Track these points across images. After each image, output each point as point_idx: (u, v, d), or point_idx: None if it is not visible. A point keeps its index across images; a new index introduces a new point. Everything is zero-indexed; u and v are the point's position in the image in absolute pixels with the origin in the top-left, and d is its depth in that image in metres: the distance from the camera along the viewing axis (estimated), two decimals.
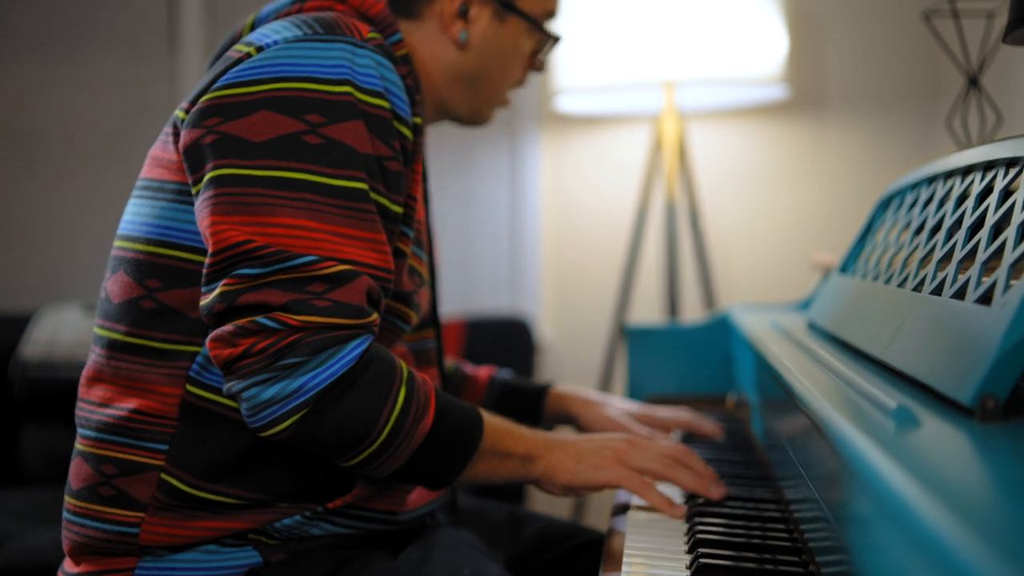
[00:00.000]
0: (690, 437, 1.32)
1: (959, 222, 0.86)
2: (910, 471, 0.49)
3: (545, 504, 2.48)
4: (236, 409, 0.94)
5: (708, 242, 2.42)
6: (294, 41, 0.95)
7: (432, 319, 1.17)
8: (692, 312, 2.43)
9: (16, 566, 1.84)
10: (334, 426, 0.88)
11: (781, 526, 0.93)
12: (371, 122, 0.93)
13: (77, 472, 0.99)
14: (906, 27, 2.33)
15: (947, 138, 1.54)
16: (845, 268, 1.24)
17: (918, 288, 0.85)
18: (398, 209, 0.97)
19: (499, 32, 1.14)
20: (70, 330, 2.43)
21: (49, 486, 2.27)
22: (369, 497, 1.01)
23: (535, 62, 1.21)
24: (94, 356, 1.01)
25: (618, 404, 1.34)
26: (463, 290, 2.67)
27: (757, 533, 0.91)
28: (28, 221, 2.87)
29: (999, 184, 0.80)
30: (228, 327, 0.87)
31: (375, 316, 0.92)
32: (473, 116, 1.20)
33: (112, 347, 0.98)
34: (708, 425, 1.31)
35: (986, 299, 0.68)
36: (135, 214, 1.00)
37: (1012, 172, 0.79)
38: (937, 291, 0.79)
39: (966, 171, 0.92)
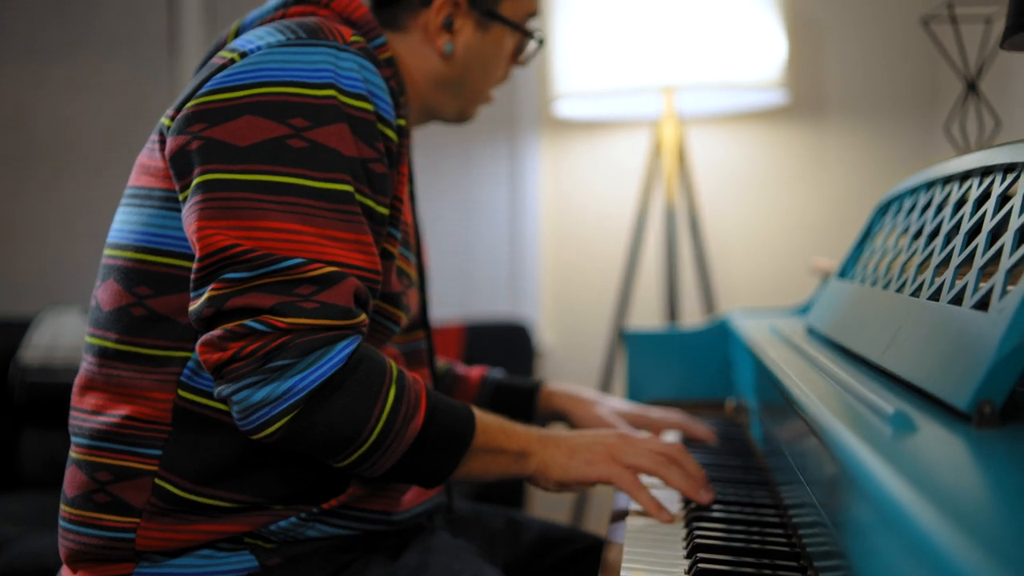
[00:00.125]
0: (689, 441, 1.32)
1: (957, 227, 0.87)
2: (907, 477, 0.49)
3: (545, 508, 2.48)
4: (228, 412, 0.95)
5: (707, 247, 2.43)
6: (277, 46, 0.96)
7: (422, 321, 1.17)
8: (691, 317, 2.43)
9: (16, 571, 1.84)
10: (324, 427, 0.89)
11: (780, 531, 0.93)
12: (355, 125, 0.94)
13: (72, 480, 1.00)
14: (905, 32, 2.34)
15: (946, 143, 1.55)
16: (844, 273, 1.24)
17: (916, 293, 0.85)
18: (384, 211, 0.98)
19: (483, 40, 1.16)
20: (70, 335, 2.43)
21: (49, 490, 2.27)
22: (364, 497, 1.01)
23: (518, 59, 1.23)
24: (86, 364, 1.01)
25: (611, 403, 1.34)
26: (463, 294, 2.67)
27: (756, 538, 0.91)
28: (28, 225, 2.88)
29: (996, 189, 0.80)
30: (217, 331, 0.88)
31: (363, 317, 0.92)
32: (458, 116, 1.22)
33: (103, 355, 0.99)
34: (701, 429, 1.31)
35: (983, 304, 0.68)
36: (123, 222, 1.01)
37: (1009, 177, 0.79)
38: (935, 296, 0.79)
39: (964, 176, 0.92)
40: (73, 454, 1.01)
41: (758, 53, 2.03)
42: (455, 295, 2.67)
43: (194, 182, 0.92)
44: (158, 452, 0.96)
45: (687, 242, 2.40)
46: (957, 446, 0.58)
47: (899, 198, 1.15)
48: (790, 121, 2.45)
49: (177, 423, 0.96)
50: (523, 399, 1.35)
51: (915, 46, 2.33)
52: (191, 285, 0.91)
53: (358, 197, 0.94)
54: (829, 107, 2.44)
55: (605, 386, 2.27)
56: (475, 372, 1.39)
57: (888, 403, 0.67)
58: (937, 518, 0.43)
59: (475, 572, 0.99)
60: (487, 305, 2.66)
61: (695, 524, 0.95)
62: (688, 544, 0.90)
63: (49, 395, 2.35)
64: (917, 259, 0.92)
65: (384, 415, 0.91)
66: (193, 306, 0.90)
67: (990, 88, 1.68)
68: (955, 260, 0.80)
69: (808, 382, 0.84)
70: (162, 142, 0.97)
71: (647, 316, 2.49)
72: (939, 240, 0.88)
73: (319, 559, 0.99)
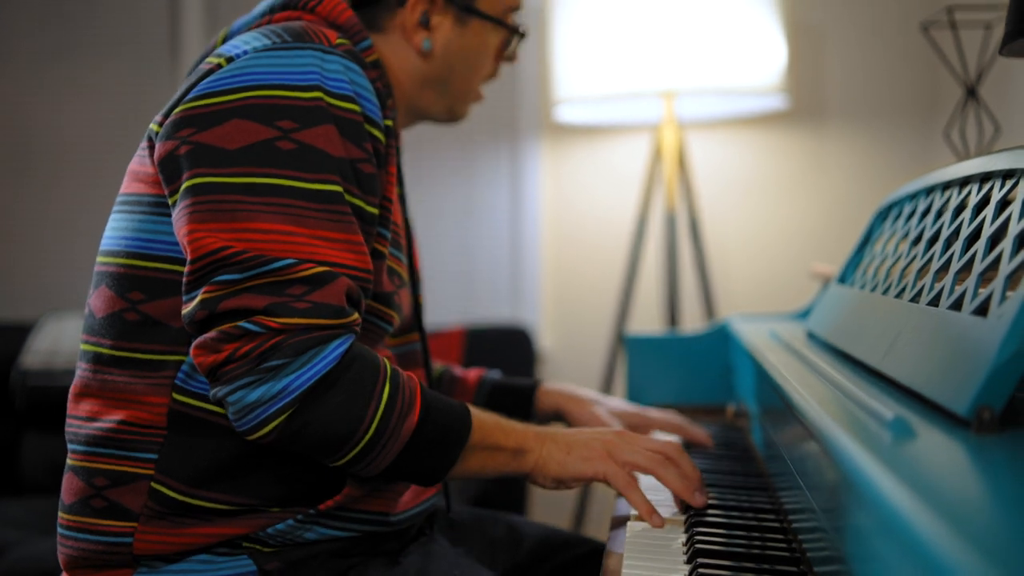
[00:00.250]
0: (687, 445, 1.32)
1: (956, 233, 0.87)
2: (906, 483, 0.50)
3: (546, 513, 2.48)
4: (223, 415, 0.95)
5: (708, 251, 2.43)
6: (263, 50, 0.97)
7: (416, 323, 1.17)
8: (692, 321, 2.43)
9: (17, 575, 1.84)
10: (319, 425, 0.89)
11: (780, 536, 0.93)
12: (342, 126, 0.95)
13: (69, 487, 1.00)
14: (904, 38, 2.34)
15: (945, 148, 1.55)
16: (844, 278, 1.25)
17: (916, 299, 0.85)
18: (374, 210, 0.99)
19: (463, 35, 1.15)
20: (71, 340, 2.44)
21: (50, 495, 2.27)
22: (361, 498, 1.01)
23: (505, 55, 1.22)
24: (80, 371, 1.02)
25: (609, 403, 1.34)
26: (464, 299, 2.67)
27: (756, 543, 0.91)
28: (29, 231, 2.88)
29: (996, 196, 0.80)
30: (211, 333, 0.88)
31: (356, 316, 0.93)
32: (448, 115, 1.22)
33: (98, 361, 0.99)
34: (699, 433, 1.31)
35: (983, 310, 0.68)
36: (115, 229, 1.02)
37: (1008, 184, 0.79)
38: (934, 302, 0.80)
39: (963, 182, 0.92)
40: (70, 461, 1.01)
41: (758, 58, 2.04)
42: (456, 299, 2.67)
43: (184, 186, 0.92)
44: (154, 456, 0.96)
45: (687, 246, 2.40)
46: (956, 452, 0.58)
47: (899, 203, 1.15)
48: (790, 126, 2.45)
49: (172, 427, 0.96)
50: (521, 399, 1.34)
51: (915, 52, 2.34)
52: (183, 288, 0.92)
53: (347, 197, 0.95)
54: (829, 112, 2.45)
55: (606, 390, 2.27)
56: (472, 374, 1.39)
57: (888, 409, 0.67)
58: (936, 524, 0.43)
59: None
60: (488, 309, 2.66)
61: (695, 529, 0.95)
62: (688, 549, 0.90)
63: (50, 400, 2.35)
64: (917, 264, 0.92)
65: (379, 413, 0.91)
66: (186, 309, 0.91)
67: (990, 94, 1.68)
68: (954, 266, 0.80)
69: (808, 387, 0.84)
70: (151, 148, 0.98)
71: (647, 320, 2.50)
72: (939, 246, 0.88)
73: (317, 564, 0.99)
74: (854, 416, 0.71)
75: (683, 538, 0.95)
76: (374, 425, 0.91)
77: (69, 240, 2.84)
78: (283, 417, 0.88)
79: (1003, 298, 0.65)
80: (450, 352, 2.37)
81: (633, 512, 1.03)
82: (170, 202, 0.95)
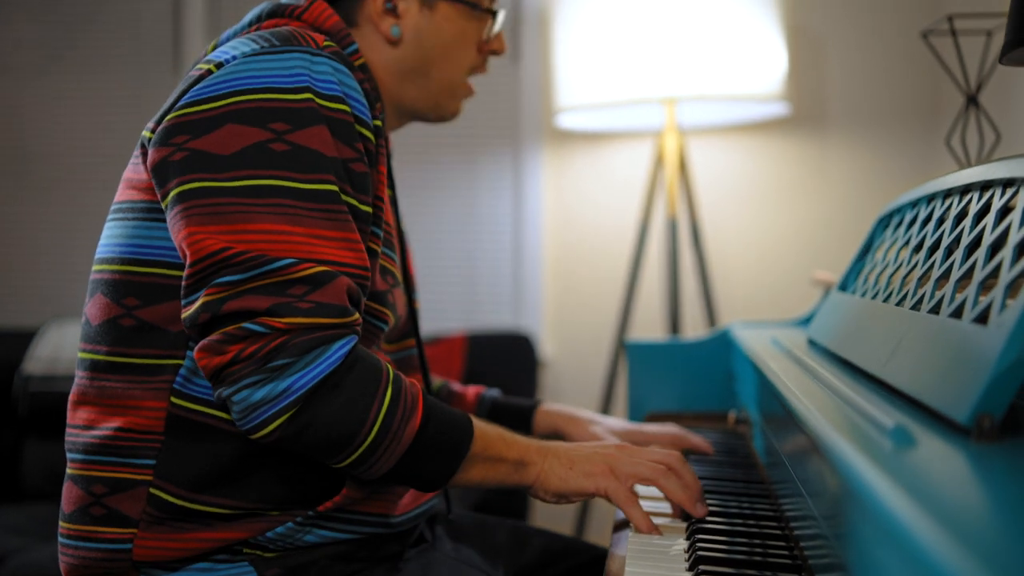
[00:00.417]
0: (687, 453, 1.32)
1: (957, 241, 0.87)
2: (907, 491, 0.50)
3: (547, 518, 2.48)
4: (221, 418, 0.96)
5: (709, 258, 2.43)
6: (252, 55, 0.97)
7: (412, 329, 1.17)
8: (693, 328, 2.43)
9: None
10: (322, 425, 0.89)
11: (782, 543, 0.93)
12: (334, 126, 0.95)
13: (68, 495, 1.01)
14: (905, 45, 2.35)
15: (947, 156, 1.55)
16: (844, 286, 1.25)
17: (916, 306, 0.85)
18: (367, 209, 0.99)
19: (432, 20, 1.14)
20: (73, 346, 2.44)
21: (51, 502, 2.27)
22: (360, 500, 1.01)
23: (489, 44, 1.20)
24: (78, 379, 1.02)
25: (607, 422, 1.34)
26: (465, 305, 2.68)
27: (758, 551, 0.91)
28: (31, 238, 2.89)
29: (996, 204, 0.81)
30: (215, 336, 0.88)
31: (357, 315, 0.93)
32: (437, 111, 1.20)
33: (95, 368, 1.00)
34: (698, 441, 1.31)
35: (983, 318, 0.68)
36: (109, 237, 1.02)
37: (1009, 192, 0.80)
38: (935, 310, 0.80)
39: (964, 190, 0.92)
40: (69, 470, 1.02)
41: (759, 65, 2.04)
42: (458, 306, 2.67)
43: (179, 191, 0.93)
44: (152, 461, 0.96)
45: (689, 253, 2.41)
46: (957, 460, 0.59)
47: (900, 211, 1.16)
48: (791, 133, 2.46)
49: (170, 431, 0.97)
50: (520, 417, 1.34)
51: (916, 59, 2.34)
52: (183, 292, 0.92)
53: (343, 196, 0.95)
54: (830, 119, 2.45)
55: (607, 397, 2.28)
56: (471, 390, 1.39)
57: (888, 416, 0.68)
58: (937, 532, 0.43)
59: None
60: (490, 316, 2.67)
61: (697, 536, 0.95)
62: (690, 556, 0.90)
63: (52, 406, 2.35)
64: (917, 272, 0.92)
65: (381, 415, 0.91)
66: (187, 312, 0.91)
67: (990, 102, 1.68)
68: (955, 274, 0.80)
69: (809, 395, 0.84)
70: (144, 154, 0.99)
71: (649, 327, 2.50)
72: (939, 253, 0.89)
73: (318, 570, 0.99)
74: (855, 424, 0.71)
75: (685, 544, 0.95)
76: (376, 427, 0.91)
77: (72, 246, 2.85)
78: (286, 416, 0.88)
79: (1003, 306, 0.66)
80: (452, 358, 2.37)
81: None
82: (163, 206, 0.96)
